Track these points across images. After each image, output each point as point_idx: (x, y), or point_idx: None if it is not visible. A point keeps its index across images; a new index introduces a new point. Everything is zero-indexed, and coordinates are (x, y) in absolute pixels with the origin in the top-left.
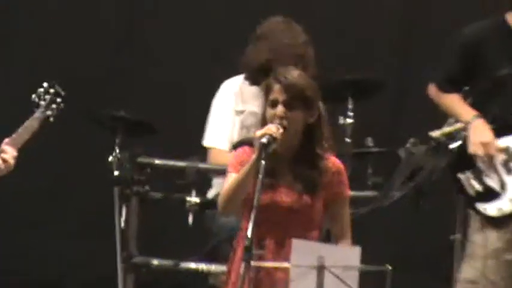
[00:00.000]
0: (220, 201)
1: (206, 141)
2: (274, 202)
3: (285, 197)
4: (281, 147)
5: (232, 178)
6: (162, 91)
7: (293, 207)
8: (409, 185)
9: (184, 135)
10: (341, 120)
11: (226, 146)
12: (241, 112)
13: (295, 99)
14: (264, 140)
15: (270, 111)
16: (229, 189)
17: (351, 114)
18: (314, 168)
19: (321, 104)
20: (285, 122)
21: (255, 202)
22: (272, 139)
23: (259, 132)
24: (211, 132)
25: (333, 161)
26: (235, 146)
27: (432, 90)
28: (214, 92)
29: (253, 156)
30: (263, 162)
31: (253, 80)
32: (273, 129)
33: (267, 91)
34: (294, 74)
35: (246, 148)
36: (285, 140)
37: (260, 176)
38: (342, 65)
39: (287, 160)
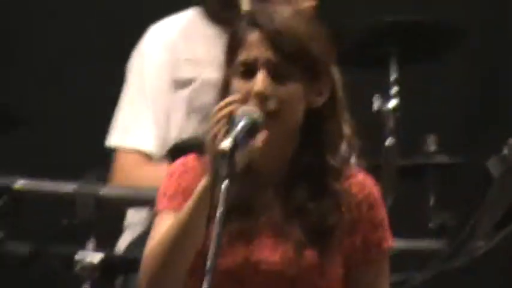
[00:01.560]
0: (146, 266)
1: (114, 140)
2: (251, 264)
3: (270, 253)
4: (263, 158)
5: (167, 223)
6: (35, 62)
7: (286, 271)
8: (509, 227)
9: (77, 133)
10: (377, 104)
11: (155, 148)
12: (189, 82)
13: (290, 60)
14: (227, 143)
15: (239, 85)
16: (163, 246)
17: (396, 91)
18: (325, 196)
19: (336, 73)
20: (271, 105)
21: (209, 264)
22: (244, 137)
23: (213, 126)
24: (125, 122)
25: (361, 181)
26: (174, 153)
27: None
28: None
29: (204, 179)
30: (224, 187)
31: (219, 14)
32: (249, 114)
33: (233, 46)
34: (284, 13)
35: (194, 159)
36: (271, 142)
37: (219, 217)
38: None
39: (274, 183)
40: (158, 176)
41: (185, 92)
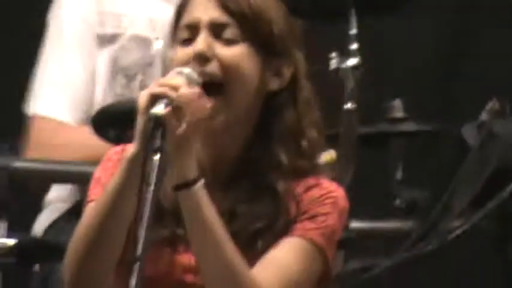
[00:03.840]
0: (71, 253)
1: (36, 108)
2: (175, 275)
3: (196, 265)
4: (205, 147)
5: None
6: None
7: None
8: (488, 205)
9: None
10: (334, 62)
11: (70, 117)
12: (113, 39)
13: (240, 21)
14: (159, 109)
15: (181, 52)
16: (91, 228)
17: (356, 48)
18: (262, 197)
19: (300, 58)
20: (212, 67)
21: (139, 252)
22: (176, 108)
23: (145, 92)
24: (39, 87)
25: (326, 187)
26: (99, 121)
27: None
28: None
29: (131, 150)
30: (156, 158)
31: None
32: (176, 80)
33: (178, 11)
34: None
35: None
36: (215, 124)
37: (150, 193)
38: None
39: (218, 181)
40: (77, 142)
41: (110, 50)
